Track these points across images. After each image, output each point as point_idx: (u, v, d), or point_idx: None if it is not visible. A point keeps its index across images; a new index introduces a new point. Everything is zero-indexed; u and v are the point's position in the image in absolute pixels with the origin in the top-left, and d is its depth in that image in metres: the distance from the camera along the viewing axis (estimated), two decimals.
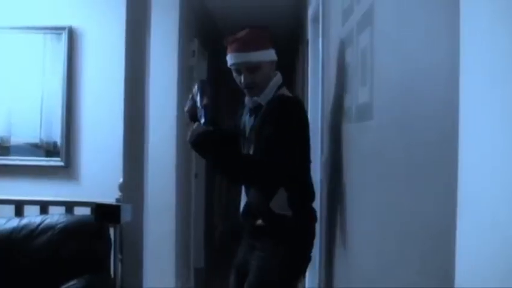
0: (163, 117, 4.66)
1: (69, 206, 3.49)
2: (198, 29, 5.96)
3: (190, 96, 2.83)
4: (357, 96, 2.01)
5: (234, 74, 2.71)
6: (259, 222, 2.66)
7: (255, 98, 2.70)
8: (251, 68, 2.63)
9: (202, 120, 2.61)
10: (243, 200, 2.78)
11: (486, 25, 0.95)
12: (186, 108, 2.87)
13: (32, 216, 3.44)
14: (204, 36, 6.39)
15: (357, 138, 2.06)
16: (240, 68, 2.65)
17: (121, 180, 3.40)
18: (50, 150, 4.80)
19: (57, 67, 4.79)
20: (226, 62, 2.72)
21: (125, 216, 3.09)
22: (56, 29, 4.79)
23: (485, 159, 0.98)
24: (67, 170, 4.79)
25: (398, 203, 1.38)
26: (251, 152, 2.66)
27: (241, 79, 2.67)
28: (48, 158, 4.80)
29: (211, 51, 6.79)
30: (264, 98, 2.68)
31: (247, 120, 2.79)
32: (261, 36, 2.69)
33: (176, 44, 4.88)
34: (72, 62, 4.79)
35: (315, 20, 4.02)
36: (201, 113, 2.65)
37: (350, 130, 2.23)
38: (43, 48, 4.81)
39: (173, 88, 4.85)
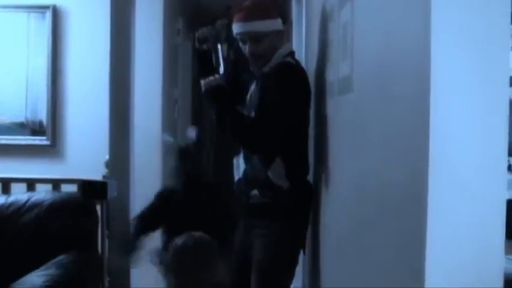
0: (148, 95, 4.67)
1: (56, 183, 3.51)
2: (182, 9, 5.95)
3: (211, 28, 2.77)
4: (338, 70, 2.06)
5: (240, 44, 2.67)
6: (255, 192, 2.63)
7: (262, 69, 2.66)
8: (256, 38, 2.59)
9: (221, 71, 2.62)
10: (241, 166, 2.74)
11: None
12: (199, 35, 2.79)
13: (19, 194, 3.45)
14: (189, 16, 6.38)
15: (339, 111, 2.11)
16: (244, 37, 2.62)
17: (107, 157, 3.44)
18: (35, 129, 4.81)
19: (42, 46, 4.78)
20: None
21: (112, 192, 3.13)
22: (40, 8, 4.77)
23: (455, 128, 1.03)
24: (53, 148, 4.80)
25: (375, 171, 1.43)
26: None
27: (246, 48, 2.64)
28: (34, 137, 4.81)
29: (196, 30, 6.78)
30: (268, 68, 2.65)
31: (252, 90, 2.76)
32: (266, 5, 2.65)
33: (161, 23, 4.88)
34: (56, 41, 4.78)
35: (299, 0, 4.05)
36: (220, 62, 2.65)
37: (333, 103, 2.28)
38: (27, 27, 4.80)
39: (158, 66, 4.86)
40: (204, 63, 2.75)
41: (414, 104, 1.12)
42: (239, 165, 2.76)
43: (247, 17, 2.58)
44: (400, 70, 1.24)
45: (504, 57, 1.06)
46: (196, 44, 2.73)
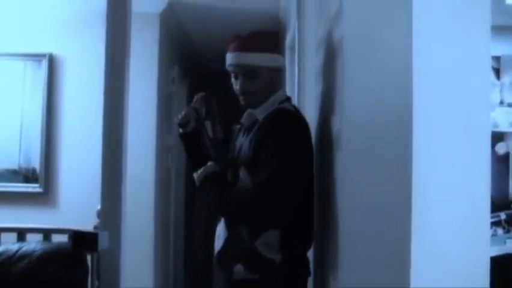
0: (142, 144, 4.68)
1: (46, 233, 3.49)
2: (178, 56, 6.02)
3: (190, 108, 2.39)
4: (330, 124, 2.07)
5: (232, 79, 2.32)
6: (239, 267, 2.15)
7: (251, 111, 2.27)
8: (248, 73, 2.24)
9: (213, 155, 2.30)
10: (221, 236, 2.27)
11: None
12: (180, 120, 2.37)
13: (9, 244, 3.43)
14: (184, 64, 6.45)
15: (329, 166, 2.11)
16: (235, 70, 2.27)
17: (99, 207, 3.42)
18: (28, 176, 4.80)
19: (37, 93, 4.81)
20: (206, 87, 2.61)
21: (103, 243, 3.10)
22: (37, 56, 4.82)
23: (437, 194, 1.04)
24: (46, 196, 4.78)
25: (362, 237, 1.43)
26: (240, 176, 2.22)
27: (237, 85, 2.28)
28: (26, 184, 4.80)
29: (191, 78, 6.85)
30: (261, 113, 2.24)
31: (240, 142, 2.32)
32: (264, 37, 2.30)
33: (156, 71, 4.92)
34: (52, 89, 4.82)
35: (292, 48, 4.10)
36: (207, 143, 2.35)
37: (324, 155, 2.28)
38: (23, 74, 4.84)
39: (152, 115, 4.88)
40: (190, 147, 2.35)
41: (397, 167, 1.12)
42: (220, 234, 2.29)
43: (241, 47, 2.24)
44: (385, 130, 1.25)
45: (485, 118, 1.07)
46: (180, 130, 2.38)
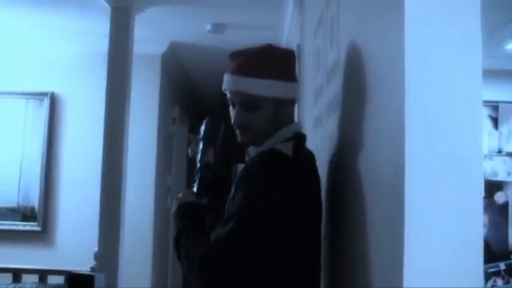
0: (141, 184, 4.68)
1: (43, 274, 3.46)
2: (178, 96, 6.06)
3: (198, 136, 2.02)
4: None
5: (230, 107, 1.82)
6: None
7: (251, 149, 1.81)
8: (247, 104, 1.72)
9: (195, 187, 1.87)
10: None
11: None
12: (190, 153, 2.08)
13: (4, 285, 3.40)
14: (185, 104, 6.49)
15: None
16: (233, 99, 1.76)
17: (96, 248, 3.40)
18: (27, 214, 4.79)
19: (38, 132, 4.83)
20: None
21: (99, 285, 3.08)
22: (39, 95, 4.85)
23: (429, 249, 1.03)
24: (43, 235, 4.76)
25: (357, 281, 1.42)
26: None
27: (233, 114, 1.79)
28: (24, 223, 4.78)
29: (191, 118, 6.89)
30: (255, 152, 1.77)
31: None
32: (275, 59, 1.77)
33: (157, 111, 4.95)
34: (52, 128, 4.84)
35: None
36: (197, 171, 1.91)
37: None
38: (25, 113, 4.86)
39: (152, 155, 4.89)
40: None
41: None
42: None
43: (243, 70, 1.73)
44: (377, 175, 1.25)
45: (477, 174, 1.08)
46: (198, 164, 1.98)
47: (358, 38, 1.45)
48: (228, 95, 1.77)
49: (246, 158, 1.83)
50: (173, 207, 1.83)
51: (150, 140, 4.89)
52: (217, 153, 1.92)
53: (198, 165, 1.90)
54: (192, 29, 4.61)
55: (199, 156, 1.91)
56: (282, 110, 1.74)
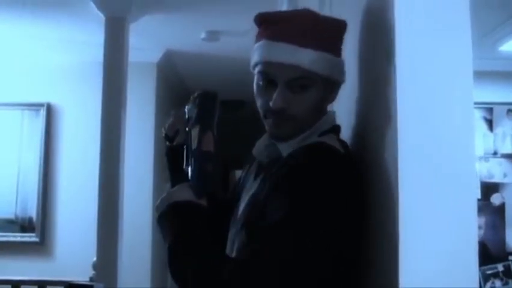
0: (139, 192, 4.67)
1: (41, 285, 3.46)
2: (174, 104, 6.06)
3: (178, 113, 1.52)
4: None
5: (258, 85, 1.39)
6: None
7: (272, 142, 1.41)
8: (296, 83, 1.33)
9: (190, 176, 1.39)
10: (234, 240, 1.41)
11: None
12: (166, 130, 1.56)
13: None
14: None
15: None
16: (277, 74, 1.34)
17: (95, 258, 3.40)
18: (25, 226, 4.77)
19: (34, 143, 4.82)
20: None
21: None
22: (35, 106, 4.85)
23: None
24: (42, 246, 4.74)
25: None
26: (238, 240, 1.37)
27: (270, 97, 1.34)
28: (22, 234, 4.76)
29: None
30: (289, 147, 1.36)
31: (249, 189, 1.46)
32: (330, 28, 1.39)
33: (153, 119, 4.95)
34: (49, 138, 4.83)
35: None
36: (190, 158, 1.41)
37: None
38: (21, 124, 4.86)
39: (149, 164, 4.89)
40: (175, 167, 1.48)
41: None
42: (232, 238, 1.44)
43: (298, 38, 1.33)
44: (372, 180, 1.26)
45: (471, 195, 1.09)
46: (166, 144, 1.58)
47: (350, 40, 1.45)
48: (265, 68, 1.35)
49: (255, 151, 1.47)
50: (161, 204, 1.37)
51: (147, 148, 4.88)
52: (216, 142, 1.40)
53: (190, 154, 1.40)
54: (187, 37, 4.62)
55: (192, 142, 1.40)
56: (329, 94, 1.40)
